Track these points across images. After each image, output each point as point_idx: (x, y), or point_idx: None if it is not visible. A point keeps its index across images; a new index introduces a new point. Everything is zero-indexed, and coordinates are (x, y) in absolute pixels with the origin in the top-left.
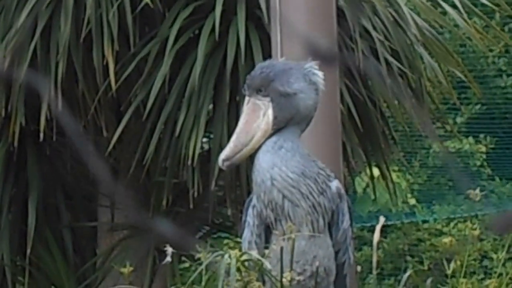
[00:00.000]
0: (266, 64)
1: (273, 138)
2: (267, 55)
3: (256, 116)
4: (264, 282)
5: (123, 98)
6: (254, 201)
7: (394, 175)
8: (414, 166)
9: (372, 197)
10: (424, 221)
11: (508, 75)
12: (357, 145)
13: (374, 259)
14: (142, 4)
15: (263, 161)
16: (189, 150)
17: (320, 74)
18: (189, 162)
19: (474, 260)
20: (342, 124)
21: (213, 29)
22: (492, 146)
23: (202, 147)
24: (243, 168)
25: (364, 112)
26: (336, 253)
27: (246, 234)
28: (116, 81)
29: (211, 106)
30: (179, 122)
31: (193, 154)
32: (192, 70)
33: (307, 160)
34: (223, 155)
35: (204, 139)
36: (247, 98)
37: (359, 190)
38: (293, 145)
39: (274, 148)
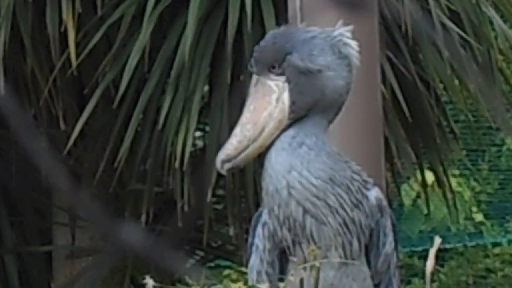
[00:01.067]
0: (281, 31)
1: (290, 132)
2: (282, 18)
3: (267, 101)
4: None
5: (87, 77)
6: (265, 217)
7: (454, 182)
8: (482, 169)
9: (425, 211)
10: (495, 244)
11: None
12: (404, 141)
13: None
14: None
15: (277, 163)
16: (176, 148)
17: (353, 44)
18: (177, 164)
19: None
20: (383, 113)
21: None
22: None
23: (194, 144)
24: (250, 173)
25: (413, 95)
26: (376, 286)
27: (254, 261)
28: (78, 55)
29: (206, 89)
30: (163, 110)
31: (183, 154)
32: (181, 40)
33: (336, 161)
34: (222, 154)
35: (197, 133)
36: (255, 78)
37: (407, 202)
38: (318, 141)
39: (292, 145)
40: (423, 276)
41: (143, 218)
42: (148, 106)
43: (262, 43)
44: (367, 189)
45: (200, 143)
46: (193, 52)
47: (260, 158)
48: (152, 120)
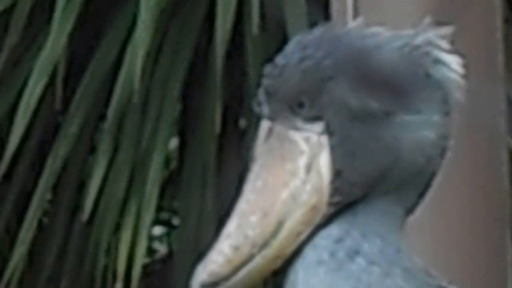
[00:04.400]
0: (316, 36)
1: (334, 230)
2: (318, 13)
3: (288, 171)
4: None
5: None
6: None
7: None
8: None
9: None
10: None
11: None
12: None
13: None
14: None
15: None
16: (117, 259)
17: (453, 61)
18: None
19: None
20: None
21: None
22: None
23: (151, 250)
24: None
25: None
26: None
27: None
28: None
29: (174, 144)
30: (94, 182)
31: (129, 269)
32: (126, 49)
33: (424, 286)
34: (205, 272)
35: (157, 229)
36: (266, 125)
37: None
38: (386, 248)
39: (337, 256)
40: None
41: None
42: (63, 170)
43: (280, 58)
44: None
45: (161, 248)
46: (150, 69)
47: (276, 279)
48: (71, 199)
